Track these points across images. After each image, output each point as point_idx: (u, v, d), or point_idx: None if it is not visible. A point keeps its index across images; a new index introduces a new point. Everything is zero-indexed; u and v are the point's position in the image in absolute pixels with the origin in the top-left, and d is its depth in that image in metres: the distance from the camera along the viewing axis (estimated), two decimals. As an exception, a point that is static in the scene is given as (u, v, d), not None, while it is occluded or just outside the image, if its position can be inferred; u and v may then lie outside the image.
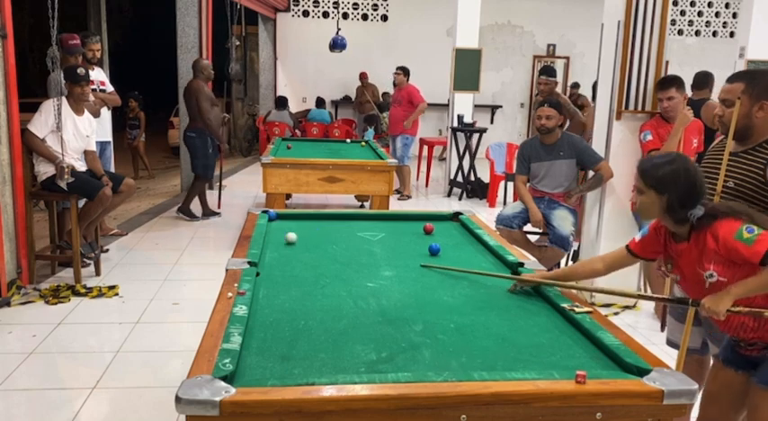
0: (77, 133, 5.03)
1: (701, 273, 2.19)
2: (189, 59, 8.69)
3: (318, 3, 13.19)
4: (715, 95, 5.54)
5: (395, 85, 8.86)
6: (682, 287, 2.31)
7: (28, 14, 12.83)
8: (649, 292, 4.52)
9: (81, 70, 4.99)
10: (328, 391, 1.59)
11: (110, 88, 6.14)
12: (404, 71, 8.67)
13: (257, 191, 7.94)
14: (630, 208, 4.62)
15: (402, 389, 1.62)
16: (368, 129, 10.81)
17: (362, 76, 12.51)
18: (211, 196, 7.95)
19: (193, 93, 6.88)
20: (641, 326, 4.39)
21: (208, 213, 7.27)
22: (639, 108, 4.57)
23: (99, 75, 5.98)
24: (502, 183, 8.46)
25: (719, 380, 2.36)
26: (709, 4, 13.63)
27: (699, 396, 1.76)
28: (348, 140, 8.69)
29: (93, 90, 5.55)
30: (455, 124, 9.08)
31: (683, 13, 13.58)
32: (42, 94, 5.64)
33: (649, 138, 4.31)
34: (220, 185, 7.90)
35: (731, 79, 2.49)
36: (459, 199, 8.89)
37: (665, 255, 2.37)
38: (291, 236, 3.06)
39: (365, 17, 13.36)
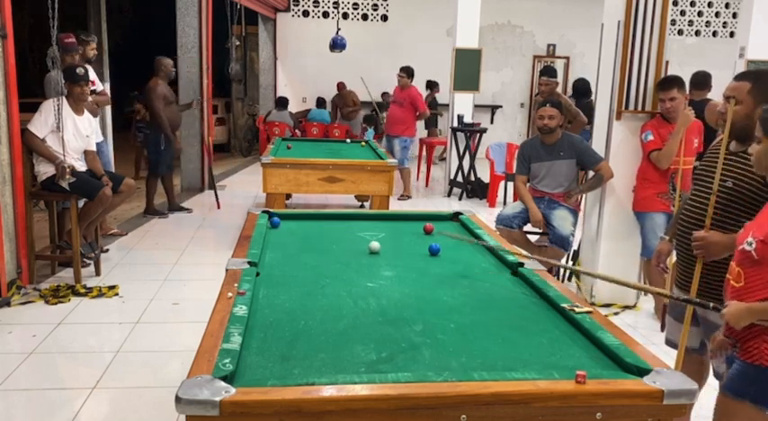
0: (77, 133, 5.03)
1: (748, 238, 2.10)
2: (189, 59, 8.72)
3: (318, 3, 13.18)
4: (713, 95, 5.55)
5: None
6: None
7: (28, 14, 12.80)
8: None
9: (80, 70, 4.98)
10: (328, 391, 1.59)
11: (99, 87, 6.07)
12: (407, 73, 8.63)
13: (257, 191, 7.94)
14: (632, 207, 4.62)
15: (402, 389, 1.62)
16: (368, 130, 10.81)
17: (340, 87, 12.31)
18: (209, 196, 7.95)
19: (146, 91, 6.93)
20: (641, 326, 4.39)
21: (174, 209, 7.36)
22: (639, 108, 4.57)
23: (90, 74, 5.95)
24: (502, 183, 8.45)
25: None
26: (709, 4, 13.63)
27: (698, 396, 1.76)
28: (348, 140, 8.68)
29: None
30: (455, 124, 9.08)
31: (683, 13, 13.57)
32: (42, 94, 5.64)
33: (651, 138, 4.32)
34: (215, 185, 7.90)
35: (738, 77, 2.50)
36: (459, 199, 8.89)
37: None
38: (375, 245, 3.01)
39: (365, 17, 13.36)
